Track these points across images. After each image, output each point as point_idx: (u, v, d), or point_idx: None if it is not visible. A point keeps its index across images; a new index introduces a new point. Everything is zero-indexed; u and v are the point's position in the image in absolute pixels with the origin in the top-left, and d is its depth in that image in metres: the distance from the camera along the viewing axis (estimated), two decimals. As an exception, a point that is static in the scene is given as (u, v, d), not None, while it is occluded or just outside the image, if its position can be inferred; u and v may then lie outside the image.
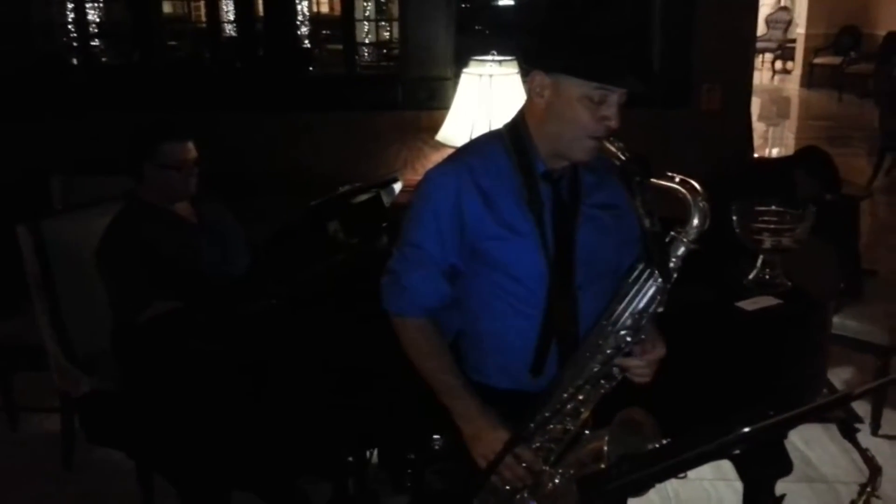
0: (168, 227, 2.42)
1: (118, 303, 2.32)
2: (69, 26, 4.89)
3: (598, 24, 1.48)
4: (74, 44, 4.86)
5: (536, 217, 1.52)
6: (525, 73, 1.56)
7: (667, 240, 1.41)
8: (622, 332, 1.43)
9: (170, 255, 2.35)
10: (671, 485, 2.74)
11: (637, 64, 1.46)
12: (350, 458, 2.34)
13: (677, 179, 1.40)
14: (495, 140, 1.59)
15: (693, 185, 1.40)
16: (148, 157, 2.38)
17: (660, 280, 1.40)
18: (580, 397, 1.47)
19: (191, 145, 2.43)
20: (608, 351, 1.44)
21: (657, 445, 1.40)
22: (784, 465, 2.01)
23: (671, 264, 1.40)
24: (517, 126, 1.57)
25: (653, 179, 1.38)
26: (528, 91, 1.53)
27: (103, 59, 5.29)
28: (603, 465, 1.37)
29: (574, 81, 1.44)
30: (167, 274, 2.32)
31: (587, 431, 1.49)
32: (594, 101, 1.44)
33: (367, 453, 2.42)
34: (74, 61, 4.86)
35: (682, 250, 1.41)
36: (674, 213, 1.44)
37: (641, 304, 1.43)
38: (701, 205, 1.39)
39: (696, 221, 1.40)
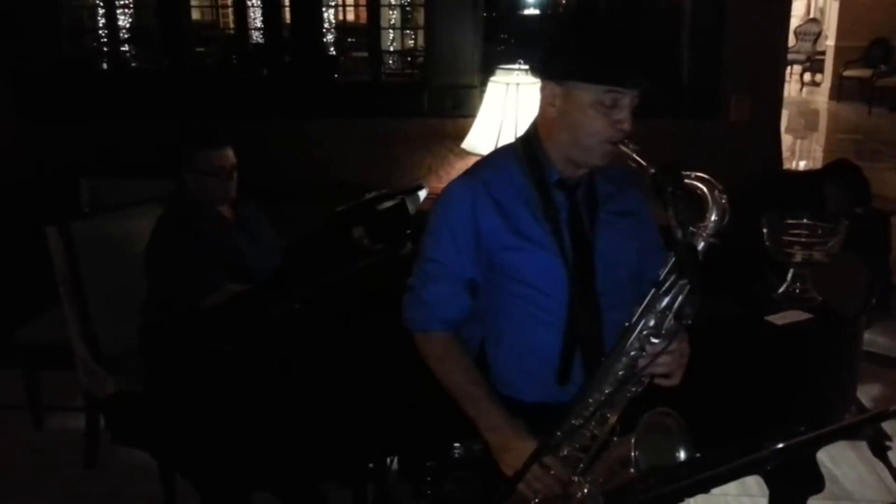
0: (213, 224, 2.48)
1: (182, 289, 2.36)
2: (99, 31, 4.97)
3: (604, 31, 1.53)
4: (104, 49, 4.93)
5: (552, 226, 1.54)
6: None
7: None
8: (645, 333, 1.42)
9: (216, 251, 2.40)
10: (694, 500, 2.70)
11: (645, 65, 1.48)
12: (370, 465, 2.33)
13: (693, 176, 1.41)
14: (508, 153, 1.62)
15: (709, 181, 1.41)
16: (186, 164, 2.44)
17: (686, 287, 1.39)
18: (607, 403, 1.46)
19: (229, 152, 2.49)
20: (632, 353, 1.44)
21: (686, 445, 1.38)
22: (816, 482, 1.98)
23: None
24: (529, 137, 1.60)
25: None
26: (540, 101, 1.56)
27: (133, 65, 5.36)
28: (632, 470, 1.35)
29: (584, 87, 1.46)
30: (215, 268, 2.38)
31: (615, 438, 1.48)
32: (606, 106, 1.46)
33: (388, 460, 2.42)
34: (104, 66, 4.93)
35: (701, 245, 1.40)
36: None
37: (664, 303, 1.42)
38: (720, 199, 1.39)
39: (714, 216, 1.40)
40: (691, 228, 1.39)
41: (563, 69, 1.49)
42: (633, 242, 1.60)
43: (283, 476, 1.98)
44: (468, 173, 1.64)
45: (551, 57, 1.54)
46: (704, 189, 1.40)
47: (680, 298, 1.41)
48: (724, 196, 1.40)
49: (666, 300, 1.41)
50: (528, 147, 1.58)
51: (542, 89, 1.53)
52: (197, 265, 2.37)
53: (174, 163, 2.48)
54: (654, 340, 1.42)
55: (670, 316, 1.42)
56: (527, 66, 3.34)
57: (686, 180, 1.39)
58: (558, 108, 1.51)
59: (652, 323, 1.42)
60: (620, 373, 1.45)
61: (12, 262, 3.59)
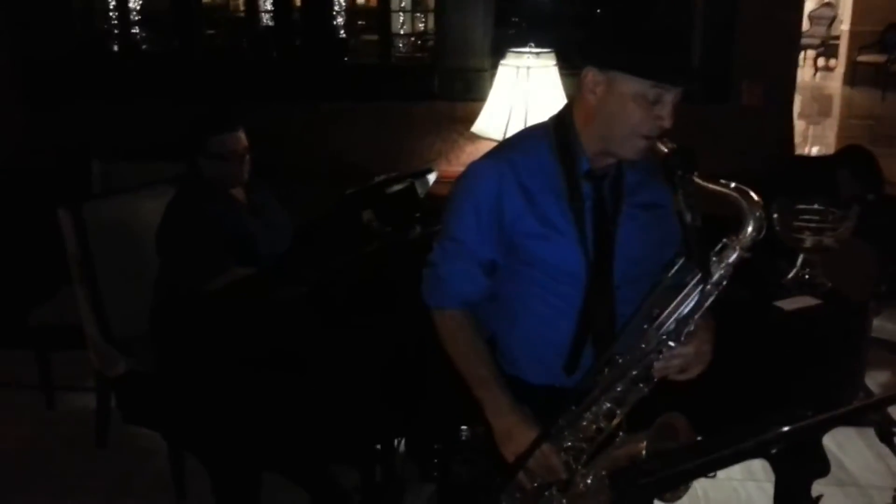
0: (226, 207, 2.49)
1: (189, 273, 2.38)
2: (110, 13, 4.97)
3: (656, 22, 1.47)
4: (115, 31, 4.93)
5: (577, 216, 1.51)
6: (562, 67, 1.55)
7: (719, 247, 1.39)
8: (664, 337, 1.41)
9: (228, 234, 2.42)
10: (700, 484, 2.71)
11: (690, 62, 1.44)
12: (378, 446, 2.35)
13: (732, 186, 1.37)
14: (540, 135, 1.57)
15: (749, 194, 1.36)
16: (199, 148, 2.45)
17: (706, 286, 1.38)
18: (616, 398, 1.46)
19: (241, 135, 2.50)
20: (649, 355, 1.43)
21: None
22: (822, 466, 1.98)
23: (721, 270, 1.38)
24: (563, 121, 1.56)
25: (708, 184, 1.36)
26: (580, 87, 1.51)
27: (143, 47, 5.36)
28: None
29: (629, 79, 1.42)
30: (226, 251, 2.39)
31: (621, 433, 1.48)
32: (649, 100, 1.42)
33: (395, 442, 2.43)
34: (115, 48, 4.93)
35: (734, 257, 1.38)
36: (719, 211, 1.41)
37: (686, 310, 1.40)
38: (757, 214, 1.36)
39: (750, 230, 1.37)
40: (725, 240, 1.38)
41: (611, 58, 1.44)
42: (654, 236, 1.57)
43: (291, 456, 2.00)
44: (495, 153, 1.61)
45: (599, 43, 1.49)
46: (742, 201, 1.36)
47: (698, 300, 1.39)
48: (762, 210, 1.36)
49: (687, 307, 1.40)
50: (562, 131, 1.54)
51: (584, 75, 1.48)
52: (206, 248, 2.38)
53: (187, 147, 2.49)
54: (671, 344, 1.41)
55: (691, 323, 1.41)
56: (549, 48, 3.30)
57: (725, 189, 1.36)
58: (599, 95, 1.46)
59: (673, 327, 1.41)
60: (634, 372, 1.44)
61: (25, 245, 3.62)
